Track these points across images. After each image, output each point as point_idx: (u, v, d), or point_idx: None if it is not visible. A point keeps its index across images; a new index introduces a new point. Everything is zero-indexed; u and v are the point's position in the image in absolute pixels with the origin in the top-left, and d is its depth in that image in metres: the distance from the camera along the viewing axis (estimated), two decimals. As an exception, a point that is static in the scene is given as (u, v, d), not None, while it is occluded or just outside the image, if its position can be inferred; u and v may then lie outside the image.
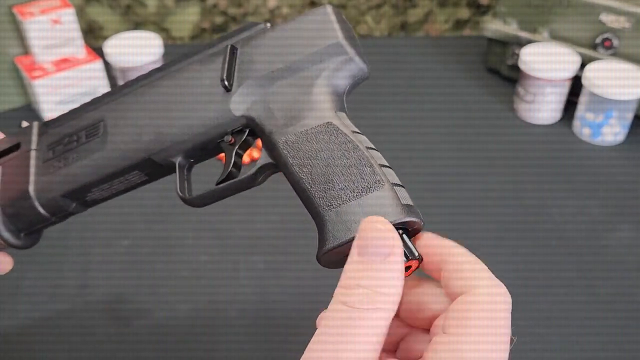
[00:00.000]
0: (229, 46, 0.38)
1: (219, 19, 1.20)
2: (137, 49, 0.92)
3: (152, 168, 0.40)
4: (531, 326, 0.64)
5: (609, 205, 0.78)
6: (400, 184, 0.34)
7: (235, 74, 0.38)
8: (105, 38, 1.17)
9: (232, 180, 0.38)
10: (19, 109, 0.96)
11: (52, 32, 0.90)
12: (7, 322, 0.65)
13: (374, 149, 0.35)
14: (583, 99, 0.88)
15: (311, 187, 0.34)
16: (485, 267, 0.29)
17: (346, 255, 0.29)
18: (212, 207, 0.80)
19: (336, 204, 0.33)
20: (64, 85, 0.91)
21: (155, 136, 0.39)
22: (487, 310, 0.26)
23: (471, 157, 0.87)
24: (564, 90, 0.90)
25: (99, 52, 0.94)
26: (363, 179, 0.33)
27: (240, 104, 0.38)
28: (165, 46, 0.96)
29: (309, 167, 0.34)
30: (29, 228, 0.43)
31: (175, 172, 0.39)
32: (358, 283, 0.26)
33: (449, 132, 0.91)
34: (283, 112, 0.36)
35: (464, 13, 1.23)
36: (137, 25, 1.19)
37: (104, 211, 0.80)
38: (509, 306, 0.27)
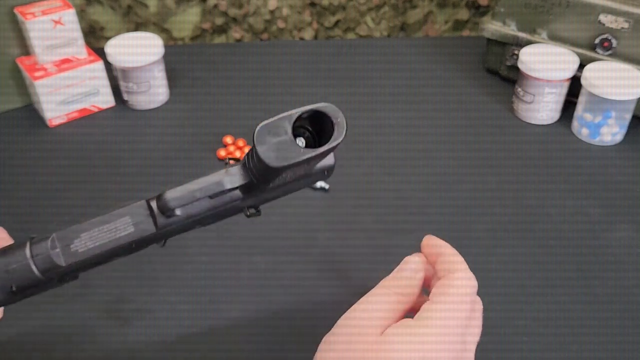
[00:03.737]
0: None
1: (219, 20, 1.20)
2: (138, 50, 0.93)
3: None
4: (529, 326, 0.64)
5: (607, 206, 0.79)
6: None
7: None
8: (106, 39, 1.17)
9: None
10: (20, 109, 0.96)
11: (54, 32, 0.90)
12: (7, 322, 0.65)
13: None
14: (582, 99, 0.88)
15: None
16: (462, 260, 0.41)
17: None
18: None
19: None
20: (65, 85, 0.91)
21: None
22: (457, 289, 0.38)
23: (470, 157, 0.87)
24: (563, 90, 0.91)
25: (100, 53, 0.95)
26: None
27: None
28: (166, 47, 0.96)
29: None
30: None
31: None
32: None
33: (448, 132, 0.92)
34: None
35: (464, 14, 1.24)
36: (138, 26, 1.19)
37: (105, 211, 0.81)
38: (474, 289, 0.39)
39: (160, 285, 0.69)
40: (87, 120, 0.95)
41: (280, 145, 0.37)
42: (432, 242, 0.42)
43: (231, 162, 0.44)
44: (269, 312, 0.66)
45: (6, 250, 0.43)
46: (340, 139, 0.37)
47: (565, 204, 0.79)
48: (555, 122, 0.94)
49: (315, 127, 0.40)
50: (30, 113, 0.96)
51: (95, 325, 0.64)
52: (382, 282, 0.41)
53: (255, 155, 0.38)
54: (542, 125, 0.93)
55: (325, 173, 0.44)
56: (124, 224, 0.42)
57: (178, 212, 0.42)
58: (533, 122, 0.94)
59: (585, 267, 0.70)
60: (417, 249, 0.76)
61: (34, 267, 0.42)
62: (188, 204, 0.41)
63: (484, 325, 0.64)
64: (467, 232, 0.75)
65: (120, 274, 0.70)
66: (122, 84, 0.95)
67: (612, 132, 0.88)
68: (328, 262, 0.71)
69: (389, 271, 0.65)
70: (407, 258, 0.43)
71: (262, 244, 0.73)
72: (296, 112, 0.38)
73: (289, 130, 0.37)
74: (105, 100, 0.97)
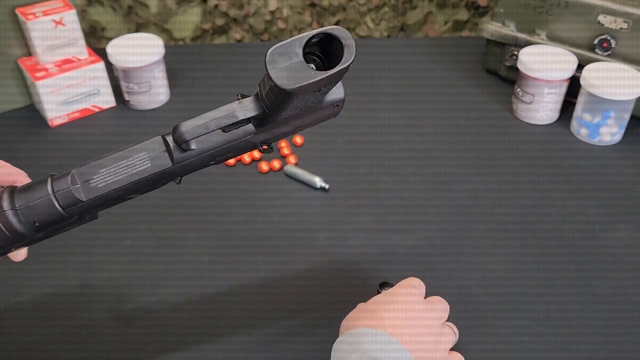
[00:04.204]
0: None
1: (220, 21, 1.20)
2: (139, 50, 0.93)
3: None
4: (529, 326, 0.64)
5: (606, 205, 0.79)
6: None
7: None
8: (107, 39, 1.18)
9: None
10: (22, 109, 0.97)
11: (55, 33, 0.90)
12: (9, 322, 0.65)
13: None
14: (581, 100, 0.89)
15: None
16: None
17: None
18: (214, 208, 0.81)
19: None
20: (66, 85, 0.91)
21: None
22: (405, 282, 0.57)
23: (469, 157, 0.87)
24: (562, 90, 0.91)
25: (101, 53, 0.95)
26: None
27: None
28: (167, 47, 0.97)
29: None
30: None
31: None
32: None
33: (447, 132, 0.92)
34: None
35: (463, 14, 1.24)
36: (139, 27, 1.19)
37: (106, 211, 0.81)
38: (422, 288, 0.56)
39: (160, 285, 0.69)
40: (88, 121, 0.95)
41: (292, 68, 0.37)
42: None
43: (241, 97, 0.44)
44: (269, 312, 0.66)
45: (28, 187, 0.44)
46: (350, 60, 0.37)
47: (565, 204, 0.79)
48: (555, 122, 0.94)
49: (325, 55, 0.40)
50: (32, 113, 0.96)
51: (96, 325, 0.65)
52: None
53: (268, 79, 0.38)
54: (542, 125, 0.94)
55: (336, 106, 0.44)
56: (140, 160, 0.43)
57: (193, 145, 0.42)
58: (532, 122, 0.94)
59: (585, 267, 0.71)
60: (417, 248, 0.76)
61: (55, 203, 0.43)
62: (202, 135, 0.42)
63: (484, 325, 0.65)
64: (467, 232, 0.75)
65: (121, 274, 0.70)
66: (123, 84, 0.95)
67: (611, 132, 0.88)
68: (328, 262, 0.71)
69: (388, 271, 0.66)
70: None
71: (262, 244, 0.74)
72: (306, 35, 0.38)
73: (300, 53, 0.37)
74: (106, 100, 0.97)
